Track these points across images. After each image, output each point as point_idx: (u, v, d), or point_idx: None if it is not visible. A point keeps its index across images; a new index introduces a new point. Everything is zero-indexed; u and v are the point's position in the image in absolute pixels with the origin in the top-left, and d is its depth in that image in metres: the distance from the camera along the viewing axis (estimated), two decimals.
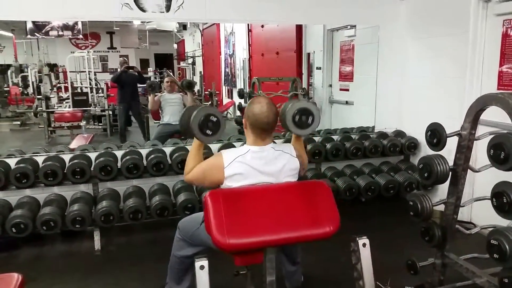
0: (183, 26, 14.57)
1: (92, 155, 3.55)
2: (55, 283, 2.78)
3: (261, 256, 1.76)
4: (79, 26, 9.79)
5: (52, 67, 14.80)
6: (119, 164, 3.47)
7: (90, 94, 8.97)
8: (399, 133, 4.22)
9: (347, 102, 5.54)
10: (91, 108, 8.50)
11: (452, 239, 2.53)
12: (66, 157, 3.49)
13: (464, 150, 2.39)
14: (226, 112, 9.86)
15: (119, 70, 7.44)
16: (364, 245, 1.76)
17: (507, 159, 1.92)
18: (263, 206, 1.73)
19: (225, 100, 10.79)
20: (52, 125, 7.40)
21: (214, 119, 1.97)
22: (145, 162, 3.51)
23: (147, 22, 10.70)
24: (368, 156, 4.06)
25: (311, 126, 2.03)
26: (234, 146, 3.48)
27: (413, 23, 4.12)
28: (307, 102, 2.14)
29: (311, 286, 2.68)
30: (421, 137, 3.92)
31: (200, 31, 12.76)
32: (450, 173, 2.47)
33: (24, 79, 12.83)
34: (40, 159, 3.41)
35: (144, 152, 3.65)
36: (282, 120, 2.07)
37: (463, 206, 2.56)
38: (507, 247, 1.89)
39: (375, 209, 4.01)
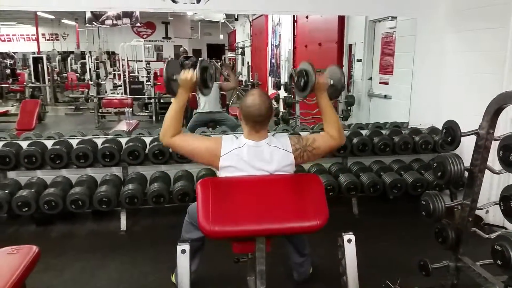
0: (235, 17, 14.71)
1: (123, 140, 3.73)
2: (77, 259, 2.98)
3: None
4: (137, 13, 10.17)
5: (110, 54, 15.51)
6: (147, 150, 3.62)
7: (146, 83, 9.34)
8: (434, 130, 4.04)
9: (385, 96, 5.38)
10: (145, 96, 8.83)
11: (466, 242, 2.43)
12: (99, 141, 3.69)
13: (481, 150, 2.27)
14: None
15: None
16: (349, 241, 1.74)
17: None
18: (251, 196, 1.76)
19: (270, 91, 10.81)
20: (100, 111, 7.79)
21: (211, 71, 2.05)
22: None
23: (196, 13, 10.91)
24: (398, 153, 3.94)
25: (304, 91, 2.06)
26: None
27: (451, 15, 3.92)
28: (308, 64, 2.08)
29: (319, 278, 2.68)
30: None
31: (250, 22, 12.83)
32: (467, 173, 2.38)
33: (83, 66, 13.59)
34: (75, 142, 3.64)
35: None
36: None
37: (482, 208, 2.44)
38: (510, 253, 1.80)
39: (401, 207, 3.89)
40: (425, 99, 4.19)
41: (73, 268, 2.86)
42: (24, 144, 3.56)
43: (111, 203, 3.33)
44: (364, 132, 4.08)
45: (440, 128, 4.07)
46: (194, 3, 3.72)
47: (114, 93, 10.50)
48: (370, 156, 3.98)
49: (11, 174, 3.61)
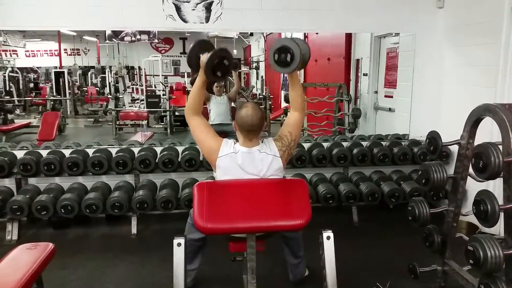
0: (250, 33, 15.06)
1: (136, 150, 3.98)
2: (89, 259, 3.22)
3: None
4: (155, 30, 10.57)
5: (129, 69, 16.03)
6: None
7: (162, 97, 9.67)
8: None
9: (390, 109, 5.54)
10: (160, 109, 9.14)
11: (451, 247, 2.57)
12: (114, 151, 3.95)
13: (463, 158, 2.43)
14: (282, 116, 10.09)
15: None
16: (328, 238, 1.91)
17: (486, 168, 1.97)
18: (242, 198, 1.96)
19: (283, 104, 11.02)
20: (117, 123, 8.12)
21: (226, 62, 2.14)
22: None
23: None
24: (398, 164, 4.09)
25: (292, 63, 2.07)
26: None
27: (450, 31, 4.09)
28: (288, 39, 2.13)
29: (314, 279, 2.83)
30: (454, 146, 3.88)
31: (264, 37, 13.14)
32: (452, 181, 2.53)
33: (103, 80, 14.10)
34: (91, 151, 3.90)
35: (181, 149, 4.02)
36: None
37: (467, 215, 2.58)
38: (481, 253, 1.94)
39: (400, 216, 3.99)
40: (425, 111, 4.34)
41: (86, 266, 3.10)
42: (44, 152, 3.84)
43: (122, 208, 3.57)
44: (365, 143, 4.25)
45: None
46: (203, 23, 3.98)
47: (132, 106, 10.90)
48: (370, 167, 4.14)
49: (32, 180, 3.89)
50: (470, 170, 2.33)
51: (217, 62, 2.14)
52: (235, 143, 2.24)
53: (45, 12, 3.77)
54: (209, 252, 2.74)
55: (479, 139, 2.36)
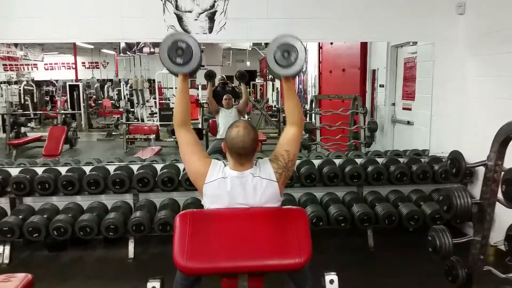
0: (266, 44, 14.89)
1: (135, 167, 3.76)
2: (83, 285, 3.01)
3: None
4: None
5: (151, 82, 15.97)
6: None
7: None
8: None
9: (408, 122, 5.21)
10: (172, 122, 8.98)
11: (478, 282, 2.24)
12: (112, 168, 3.75)
13: (490, 182, 2.11)
14: None
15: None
16: (331, 281, 1.63)
17: None
18: (230, 231, 1.69)
19: None
20: (127, 137, 7.98)
21: (183, 45, 1.79)
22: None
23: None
24: (417, 182, 3.77)
25: (296, 64, 1.81)
26: None
27: (472, 39, 3.77)
28: (290, 36, 1.87)
29: None
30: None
31: None
32: (477, 207, 2.21)
33: (119, 93, 14.08)
34: (88, 169, 3.70)
35: (182, 166, 3.78)
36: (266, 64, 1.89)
37: (496, 245, 2.27)
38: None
39: (421, 240, 3.63)
40: (446, 125, 4.01)
41: None
42: (40, 170, 3.66)
43: (118, 231, 3.34)
44: (381, 160, 3.94)
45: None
46: (206, 33, 3.78)
47: (151, 120, 10.77)
48: (387, 186, 3.82)
49: (28, 199, 3.71)
50: (499, 195, 2.03)
51: (170, 48, 1.80)
52: (225, 165, 1.96)
53: (43, 24, 3.64)
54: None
55: (509, 160, 2.05)
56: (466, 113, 3.87)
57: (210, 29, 3.77)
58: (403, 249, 3.59)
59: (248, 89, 6.23)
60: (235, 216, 1.77)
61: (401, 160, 3.92)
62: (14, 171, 3.65)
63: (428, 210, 3.51)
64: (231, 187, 1.86)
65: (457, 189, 2.15)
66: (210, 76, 5.67)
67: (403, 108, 5.43)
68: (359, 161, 3.89)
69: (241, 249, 1.62)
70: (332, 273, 1.67)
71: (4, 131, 8.68)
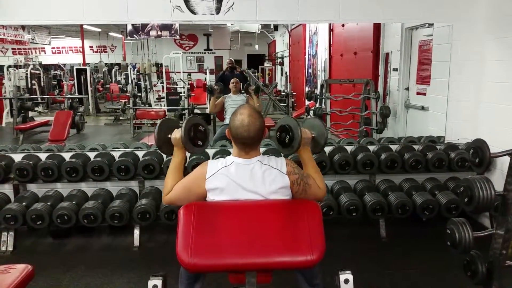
0: (275, 27, 14.64)
1: (141, 153, 3.66)
2: (86, 274, 2.93)
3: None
4: (176, 26, 10.26)
5: (159, 66, 15.82)
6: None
7: (182, 95, 9.38)
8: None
9: (423, 108, 5.03)
10: (179, 107, 8.86)
11: (499, 278, 2.12)
12: (117, 154, 3.65)
13: None
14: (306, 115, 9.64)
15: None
16: (346, 281, 1.52)
17: None
18: (238, 225, 1.58)
19: (307, 102, 10.57)
20: (134, 122, 7.89)
21: (202, 128, 1.93)
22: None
23: (231, 24, 10.93)
24: (432, 171, 3.62)
25: (292, 145, 1.89)
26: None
27: (493, 20, 3.57)
28: (290, 118, 1.97)
29: None
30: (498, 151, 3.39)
31: (288, 32, 12.69)
32: (501, 199, 2.08)
33: (127, 77, 13.95)
34: (93, 155, 3.61)
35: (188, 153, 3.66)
36: None
37: None
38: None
39: (435, 231, 3.50)
40: (463, 111, 3.85)
41: (79, 284, 2.81)
42: (43, 156, 3.57)
43: (123, 219, 3.25)
44: (394, 147, 3.79)
45: None
46: (213, 14, 3.63)
47: (158, 105, 10.63)
48: (401, 174, 3.68)
49: (33, 186, 3.63)
50: None
51: (193, 133, 1.93)
52: (225, 158, 1.84)
53: (44, 4, 3.50)
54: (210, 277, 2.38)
55: None
56: (484, 98, 3.70)
57: (218, 10, 3.61)
58: (417, 240, 3.46)
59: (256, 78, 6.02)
60: (244, 208, 1.65)
61: (416, 147, 3.77)
62: (18, 157, 3.56)
63: (443, 200, 3.37)
64: (236, 174, 1.74)
65: (480, 180, 2.01)
66: (210, 91, 5.53)
67: (417, 93, 5.24)
68: (371, 148, 3.75)
69: (250, 245, 1.51)
70: (347, 272, 1.55)
71: (12, 115, 8.64)
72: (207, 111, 5.63)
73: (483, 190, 1.97)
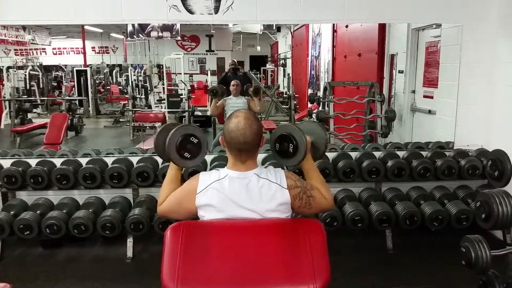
0: (277, 28, 14.46)
1: (135, 159, 3.50)
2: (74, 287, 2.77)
3: None
4: (178, 27, 10.13)
5: (160, 68, 15.67)
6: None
7: (184, 96, 9.22)
8: (483, 153, 3.48)
9: (430, 112, 4.84)
10: (180, 109, 8.70)
11: None
12: (110, 160, 3.49)
13: None
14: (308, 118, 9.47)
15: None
16: None
17: None
18: (232, 249, 1.41)
19: (309, 105, 10.39)
20: (133, 124, 7.73)
21: (195, 140, 1.75)
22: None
23: (234, 25, 10.77)
24: (441, 178, 3.44)
25: (296, 157, 1.72)
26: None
27: (505, 20, 3.39)
28: (286, 125, 1.80)
29: None
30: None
31: (291, 33, 12.52)
32: None
33: (127, 79, 13.81)
34: (85, 161, 3.45)
35: None
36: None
37: None
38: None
39: (445, 242, 3.31)
40: (474, 116, 3.67)
41: None
42: (33, 162, 3.41)
43: (115, 229, 3.09)
44: (401, 153, 3.61)
45: (491, 150, 3.57)
46: (211, 14, 3.46)
47: (159, 107, 10.47)
48: (408, 182, 3.50)
49: (22, 194, 3.47)
50: None
51: (181, 143, 1.75)
52: (218, 170, 1.68)
53: (38, 5, 3.35)
54: None
55: None
56: (498, 102, 3.52)
57: (216, 9, 3.44)
58: (425, 251, 3.29)
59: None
60: (238, 229, 1.48)
61: (424, 153, 3.59)
62: (7, 163, 3.41)
63: (453, 210, 3.19)
64: (230, 189, 1.57)
65: (499, 194, 1.84)
66: (214, 93, 5.33)
67: (424, 96, 5.05)
68: (377, 154, 3.57)
69: (244, 272, 1.34)
70: None
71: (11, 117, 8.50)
72: (208, 113, 5.44)
73: (502, 206, 1.80)
